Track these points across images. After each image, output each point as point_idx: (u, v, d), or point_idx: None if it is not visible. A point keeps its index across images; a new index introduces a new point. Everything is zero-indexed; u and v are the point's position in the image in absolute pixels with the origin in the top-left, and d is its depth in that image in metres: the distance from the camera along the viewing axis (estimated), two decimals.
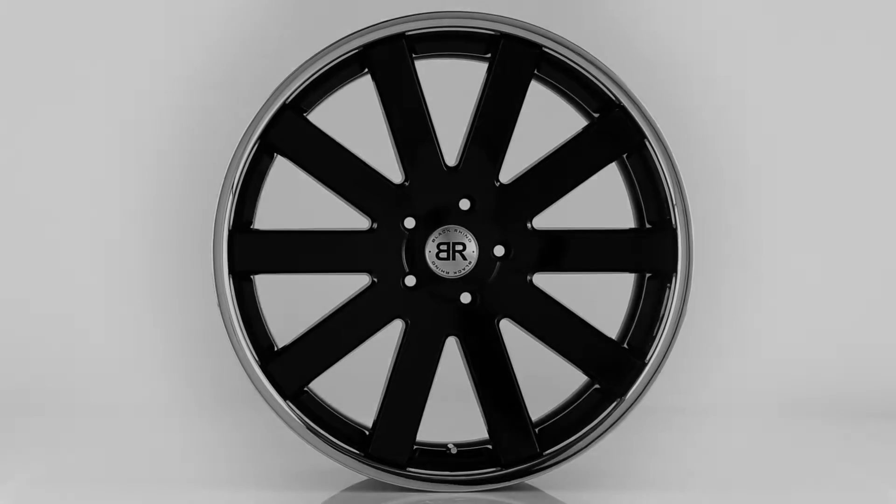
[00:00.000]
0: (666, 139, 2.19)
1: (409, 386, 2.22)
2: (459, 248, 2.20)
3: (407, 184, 2.22)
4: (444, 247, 2.21)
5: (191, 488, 2.31)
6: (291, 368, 2.24)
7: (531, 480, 2.26)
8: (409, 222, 2.22)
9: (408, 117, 2.22)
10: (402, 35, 2.21)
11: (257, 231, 2.29)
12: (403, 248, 2.22)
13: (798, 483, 2.41)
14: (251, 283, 2.33)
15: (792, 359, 3.25)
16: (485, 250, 2.21)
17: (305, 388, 2.29)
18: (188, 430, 2.93)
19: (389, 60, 2.21)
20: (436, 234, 2.21)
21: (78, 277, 3.23)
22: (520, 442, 2.19)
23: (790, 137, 3.27)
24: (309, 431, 2.22)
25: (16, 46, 3.22)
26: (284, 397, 2.23)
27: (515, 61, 2.19)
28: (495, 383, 2.20)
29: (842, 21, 3.24)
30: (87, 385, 3.14)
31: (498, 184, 2.21)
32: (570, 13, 3.16)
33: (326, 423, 2.27)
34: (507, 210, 2.21)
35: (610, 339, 2.23)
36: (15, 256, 3.20)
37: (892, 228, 3.24)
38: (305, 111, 2.31)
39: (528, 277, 2.21)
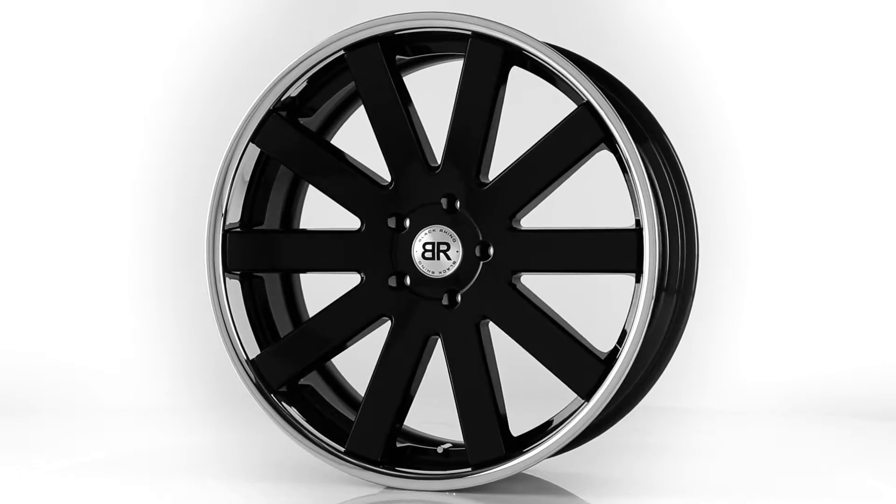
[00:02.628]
0: (628, 136, 2.09)
1: (388, 384, 2.23)
2: (444, 248, 2.21)
3: (392, 185, 2.24)
4: (429, 247, 2.22)
5: (190, 482, 2.32)
6: (278, 362, 2.27)
7: (506, 481, 2.26)
8: (395, 222, 2.25)
9: (388, 119, 2.24)
10: (375, 38, 2.22)
11: (250, 231, 2.34)
12: (390, 248, 2.24)
13: (796, 484, 2.41)
14: (262, 280, 2.38)
15: (792, 360, 3.25)
16: (468, 250, 2.21)
17: (307, 383, 2.34)
18: (190, 427, 2.94)
19: (365, 63, 2.23)
20: (422, 233, 2.23)
21: (78, 278, 3.24)
22: (487, 443, 2.18)
23: (783, 135, 3.28)
24: (289, 425, 2.26)
25: (15, 52, 3.23)
26: (270, 390, 2.27)
27: (483, 59, 2.18)
28: (470, 385, 2.19)
29: (835, 21, 3.25)
30: (87, 385, 3.15)
31: (478, 183, 2.20)
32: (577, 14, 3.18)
33: (323, 418, 2.32)
34: (488, 210, 2.20)
35: (582, 344, 2.18)
36: (15, 258, 3.21)
37: (892, 230, 3.24)
38: (309, 116, 2.36)
39: (507, 278, 2.20)
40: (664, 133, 2.34)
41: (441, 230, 2.22)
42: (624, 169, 2.13)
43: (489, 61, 2.18)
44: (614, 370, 2.12)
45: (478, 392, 2.19)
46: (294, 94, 2.30)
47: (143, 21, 3.28)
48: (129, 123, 3.29)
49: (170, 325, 3.26)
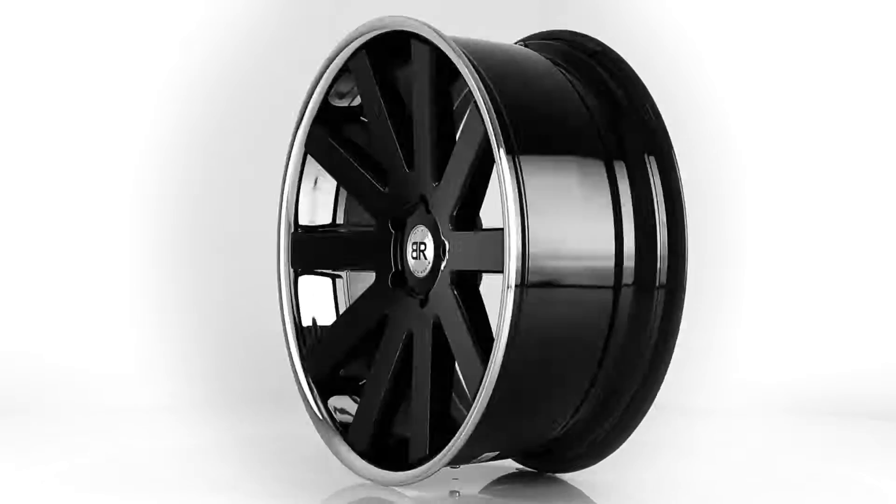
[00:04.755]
0: (499, 131, 1.98)
1: (377, 380, 2.29)
2: (423, 247, 2.27)
3: (386, 188, 2.32)
4: (414, 246, 2.28)
5: (190, 482, 2.32)
6: (317, 357, 2.41)
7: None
8: (392, 223, 2.33)
9: (375, 123, 2.31)
10: (363, 47, 2.29)
11: (304, 232, 2.48)
12: (391, 248, 2.33)
13: (796, 484, 2.41)
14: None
15: (791, 360, 3.25)
16: (436, 250, 2.25)
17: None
18: (190, 427, 2.95)
19: (357, 72, 2.33)
20: (413, 233, 2.29)
21: (78, 278, 3.25)
22: (419, 443, 2.18)
23: (782, 133, 3.28)
24: (315, 416, 2.38)
25: (28, 52, 3.24)
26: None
27: (418, 60, 2.21)
28: (418, 384, 2.21)
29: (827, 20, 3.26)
30: (87, 385, 3.16)
31: (435, 184, 2.22)
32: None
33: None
34: (438, 211, 2.23)
35: (484, 349, 2.11)
36: (14, 257, 3.22)
37: (892, 230, 3.24)
38: (348, 124, 2.46)
39: (452, 278, 2.19)
40: (650, 115, 2.24)
41: (422, 230, 2.27)
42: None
43: (423, 61, 2.20)
44: (487, 373, 2.00)
45: (422, 392, 2.20)
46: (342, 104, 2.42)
47: (144, 21, 3.29)
48: (130, 122, 3.29)
49: (170, 326, 3.27)
